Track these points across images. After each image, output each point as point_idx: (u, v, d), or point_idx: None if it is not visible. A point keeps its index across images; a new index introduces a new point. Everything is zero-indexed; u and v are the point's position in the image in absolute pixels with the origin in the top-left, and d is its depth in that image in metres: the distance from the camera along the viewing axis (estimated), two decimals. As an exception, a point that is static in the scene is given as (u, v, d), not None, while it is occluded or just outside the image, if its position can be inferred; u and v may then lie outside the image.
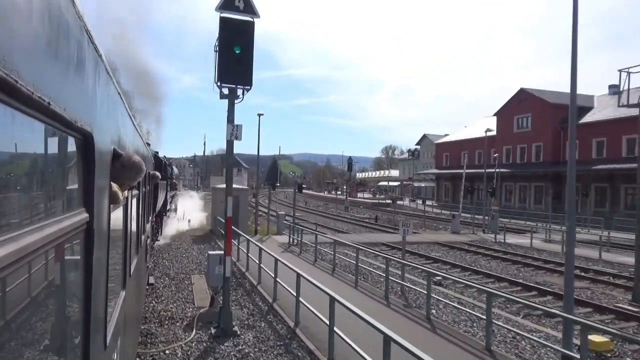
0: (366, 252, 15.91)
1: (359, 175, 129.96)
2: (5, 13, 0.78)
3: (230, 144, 9.05)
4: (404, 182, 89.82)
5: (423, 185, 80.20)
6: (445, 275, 13.01)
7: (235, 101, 8.97)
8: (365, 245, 20.25)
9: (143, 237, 6.69)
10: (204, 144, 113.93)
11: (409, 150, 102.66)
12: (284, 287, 10.57)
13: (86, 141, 1.61)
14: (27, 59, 0.91)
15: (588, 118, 43.43)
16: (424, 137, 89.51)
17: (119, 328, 2.89)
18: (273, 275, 11.12)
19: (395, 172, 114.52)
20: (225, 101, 8.87)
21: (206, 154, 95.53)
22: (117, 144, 2.49)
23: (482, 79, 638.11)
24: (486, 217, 31.42)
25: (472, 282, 13.04)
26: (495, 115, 54.68)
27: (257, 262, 12.98)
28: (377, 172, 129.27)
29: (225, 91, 8.91)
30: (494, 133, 54.07)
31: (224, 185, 31.53)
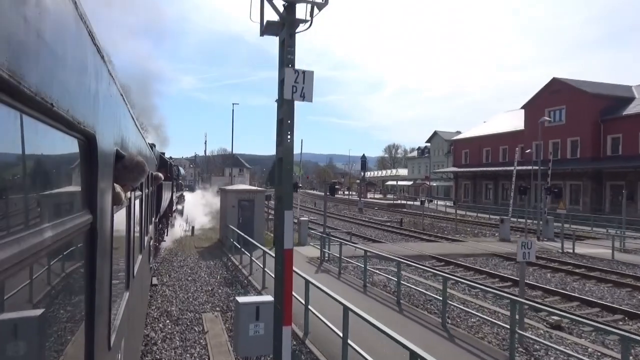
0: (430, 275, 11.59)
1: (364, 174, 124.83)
2: (7, 15, 0.80)
3: (289, 108, 4.57)
4: (419, 182, 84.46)
5: (434, 184, 75.06)
6: (570, 315, 8.75)
7: (299, 28, 4.50)
8: (410, 258, 17.76)
9: (146, 238, 6.51)
10: (205, 142, 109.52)
11: (418, 148, 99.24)
12: (352, 348, 6.94)
13: (89, 142, 1.67)
14: (30, 61, 0.94)
15: (633, 109, 39.03)
16: (435, 134, 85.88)
17: (123, 329, 2.95)
18: (341, 335, 6.74)
19: (403, 171, 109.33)
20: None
21: (206, 154, 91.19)
22: (119, 145, 2.54)
23: (486, 78, 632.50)
24: (531, 221, 28.93)
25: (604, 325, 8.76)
26: (522, 108, 51.68)
27: (302, 301, 9.23)
28: (383, 172, 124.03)
29: (280, 8, 4.41)
30: (520, 127, 50.81)
31: (235, 187, 25.28)
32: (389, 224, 36.54)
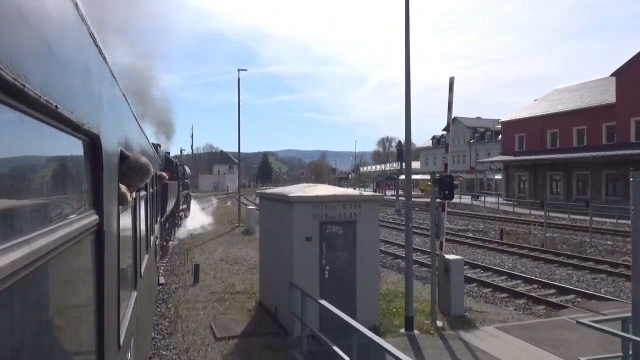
0: None
1: (361, 169, 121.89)
2: (11, 19, 0.81)
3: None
4: (462, 174, 74.50)
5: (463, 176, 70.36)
6: None
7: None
8: None
9: (152, 237, 6.56)
10: (192, 136, 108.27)
11: (433, 138, 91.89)
12: None
13: (93, 143, 1.67)
14: (34, 63, 0.94)
15: None
16: (455, 120, 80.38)
17: (132, 328, 2.95)
18: None
19: (414, 163, 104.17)
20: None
21: (193, 150, 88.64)
22: (123, 146, 2.56)
23: (473, 69, 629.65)
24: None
25: None
26: (614, 75, 39.65)
27: None
28: (382, 166, 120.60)
29: None
30: (610, 100, 40.38)
31: (308, 190, 9.83)
32: (469, 234, 24.94)
